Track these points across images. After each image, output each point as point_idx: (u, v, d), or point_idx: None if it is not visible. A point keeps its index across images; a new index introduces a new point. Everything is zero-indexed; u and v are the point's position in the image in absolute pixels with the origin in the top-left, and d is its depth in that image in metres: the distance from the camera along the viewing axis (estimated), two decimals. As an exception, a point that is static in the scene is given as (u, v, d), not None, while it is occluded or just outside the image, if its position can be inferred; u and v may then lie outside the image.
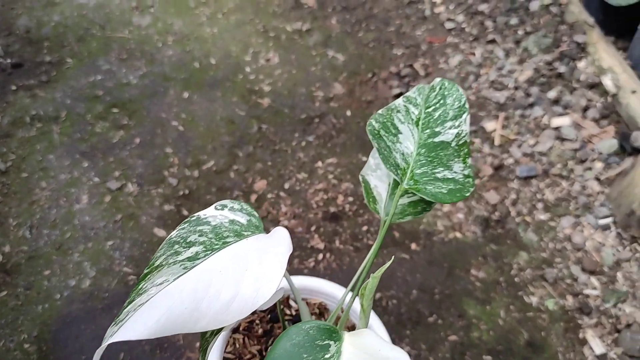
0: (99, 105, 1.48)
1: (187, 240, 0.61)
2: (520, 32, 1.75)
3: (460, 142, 0.72)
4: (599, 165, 1.48)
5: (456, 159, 0.71)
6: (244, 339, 0.86)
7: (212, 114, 1.50)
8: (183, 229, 0.62)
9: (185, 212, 1.29)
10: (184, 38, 1.68)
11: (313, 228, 1.31)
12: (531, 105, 1.60)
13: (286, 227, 1.31)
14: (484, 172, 1.47)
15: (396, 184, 0.81)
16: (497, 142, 1.54)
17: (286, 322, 0.89)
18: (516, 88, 1.64)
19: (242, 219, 0.64)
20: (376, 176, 0.81)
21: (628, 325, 1.25)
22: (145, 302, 0.55)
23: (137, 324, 0.52)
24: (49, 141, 1.39)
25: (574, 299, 1.26)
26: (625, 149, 1.50)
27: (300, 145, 1.47)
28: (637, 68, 1.63)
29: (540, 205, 1.43)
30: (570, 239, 1.36)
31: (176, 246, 0.60)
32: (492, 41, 1.75)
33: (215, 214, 0.64)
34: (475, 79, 1.67)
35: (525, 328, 1.20)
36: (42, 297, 1.12)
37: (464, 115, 0.74)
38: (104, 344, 0.51)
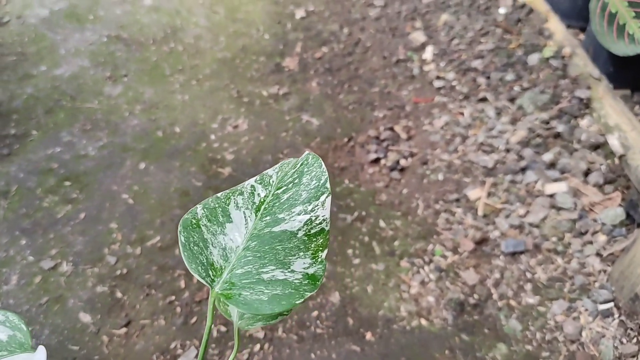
0: (51, 178, 1.42)
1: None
2: (516, 89, 1.59)
3: (313, 232, 0.57)
4: (601, 238, 1.27)
5: (301, 254, 0.56)
6: None
7: (166, 186, 1.41)
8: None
9: (118, 294, 1.18)
10: (152, 107, 1.62)
11: (256, 313, 1.16)
12: (523, 170, 1.41)
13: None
14: (464, 247, 1.29)
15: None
16: (481, 211, 1.35)
17: None
18: (507, 150, 1.46)
19: (3, 334, 0.51)
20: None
21: None
22: None
23: None
24: (-7, 217, 1.33)
25: (564, 404, 1.04)
26: (634, 220, 1.28)
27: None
28: (649, 124, 1.42)
29: (528, 287, 1.22)
30: (563, 328, 1.15)
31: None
32: (484, 99, 1.59)
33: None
34: (462, 141, 1.51)
35: None
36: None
37: (323, 198, 0.59)
38: None
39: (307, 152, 0.66)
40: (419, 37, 1.84)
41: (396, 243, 1.30)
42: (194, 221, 0.57)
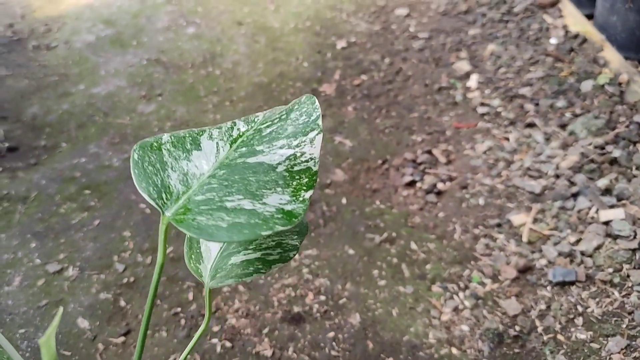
0: (72, 186, 1.37)
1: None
2: (568, 115, 1.47)
3: (296, 169, 0.48)
4: (667, 269, 1.10)
5: (278, 189, 0.46)
6: None
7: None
8: None
9: (122, 303, 1.09)
10: (183, 124, 1.58)
11: (266, 330, 1.05)
12: (574, 196, 1.27)
13: (232, 326, 1.06)
14: (505, 275, 1.14)
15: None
16: (525, 238, 1.21)
17: None
18: (557, 176, 1.33)
19: None
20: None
21: None
22: None
23: None
24: (8, 220, 1.28)
25: None
26: None
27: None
28: None
29: (579, 321, 1.06)
30: (620, 368, 0.98)
31: None
32: (532, 125, 1.48)
33: None
34: (507, 166, 1.38)
35: None
36: None
37: (312, 134, 0.50)
38: None
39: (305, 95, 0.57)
40: (463, 66, 1.76)
41: (428, 266, 1.17)
42: (155, 144, 0.48)
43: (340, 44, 1.95)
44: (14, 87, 1.76)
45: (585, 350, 1.01)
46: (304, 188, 0.47)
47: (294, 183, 0.47)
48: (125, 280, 1.14)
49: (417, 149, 1.48)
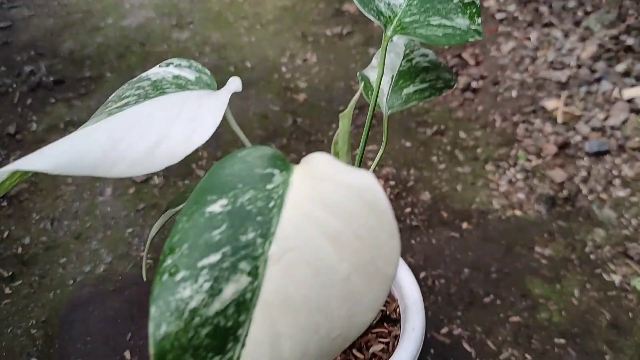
0: (132, 109, 1.45)
1: (122, 96, 0.51)
2: (580, 13, 1.60)
3: (466, 2, 0.59)
4: (685, 135, 1.27)
5: (460, 14, 0.58)
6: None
7: (244, 111, 1.43)
8: (122, 89, 0.53)
9: (211, 202, 1.20)
10: (221, 47, 1.66)
11: (349, 211, 1.18)
12: (597, 80, 1.42)
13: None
14: (547, 151, 1.29)
15: (400, 76, 0.68)
16: (560, 119, 1.36)
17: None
18: (579, 66, 1.47)
19: (190, 75, 0.54)
20: (376, 72, 0.69)
21: None
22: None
23: (37, 156, 0.42)
24: (80, 143, 1.35)
25: (670, 280, 1.03)
26: None
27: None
28: None
29: (617, 182, 1.22)
30: (658, 213, 1.14)
31: (109, 103, 0.51)
32: (549, 24, 1.61)
33: (158, 71, 0.54)
34: (532, 62, 1.52)
35: (607, 308, 0.98)
36: (55, 284, 1.04)
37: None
38: (4, 169, 0.41)
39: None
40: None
41: (479, 150, 1.31)
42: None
43: (351, -34, 2.02)
44: (42, 26, 1.79)
45: (626, 204, 1.17)
46: (475, 15, 0.59)
47: (468, 11, 0.59)
48: (208, 183, 1.24)
49: (447, 54, 1.60)
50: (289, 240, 0.39)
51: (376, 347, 0.66)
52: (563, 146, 1.30)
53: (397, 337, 0.68)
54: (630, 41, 1.46)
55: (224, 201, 0.39)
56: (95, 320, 0.97)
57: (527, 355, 0.91)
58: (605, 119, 1.33)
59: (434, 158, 1.30)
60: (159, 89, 0.51)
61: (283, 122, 1.40)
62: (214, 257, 0.37)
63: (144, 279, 0.67)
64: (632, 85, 1.37)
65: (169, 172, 1.27)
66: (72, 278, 1.04)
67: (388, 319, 0.70)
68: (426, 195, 1.21)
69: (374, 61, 0.71)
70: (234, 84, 0.49)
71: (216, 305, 0.37)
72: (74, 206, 1.19)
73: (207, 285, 0.37)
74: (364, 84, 0.69)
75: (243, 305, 0.37)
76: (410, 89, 0.66)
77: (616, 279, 1.03)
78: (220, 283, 0.37)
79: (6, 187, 0.45)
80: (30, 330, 0.96)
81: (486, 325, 0.95)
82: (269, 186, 0.40)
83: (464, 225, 1.13)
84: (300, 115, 1.41)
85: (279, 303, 0.38)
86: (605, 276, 1.04)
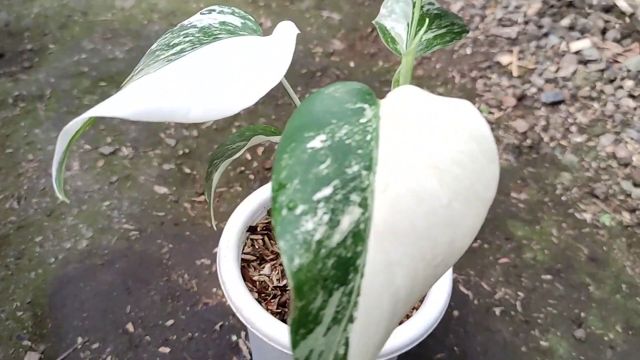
0: (85, 80, 1.37)
1: (170, 44, 0.49)
2: (521, -28, 1.67)
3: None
4: (629, 83, 1.36)
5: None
6: (263, 239, 0.72)
7: (207, 77, 1.39)
8: (165, 38, 0.51)
9: (187, 170, 1.17)
10: (170, 14, 1.60)
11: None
12: (546, 35, 1.49)
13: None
14: (507, 104, 1.35)
15: (421, 20, 0.69)
16: (515, 73, 1.42)
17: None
18: (526, 22, 1.54)
19: (236, 21, 0.52)
20: (391, 20, 0.70)
21: (697, 235, 1.10)
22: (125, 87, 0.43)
23: (114, 103, 0.40)
24: (34, 118, 1.27)
25: (632, 215, 1.12)
26: (655, 64, 1.38)
27: (304, 98, 1.36)
28: (652, -14, 1.53)
29: (574, 129, 1.30)
30: (615, 155, 1.23)
31: (157, 52, 0.49)
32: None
33: (202, 18, 0.52)
34: (482, 20, 1.57)
35: (584, 244, 1.06)
36: (34, 264, 0.98)
37: None
38: (77, 119, 0.39)
39: None
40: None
41: (444, 106, 1.35)
42: None
43: None
44: (-34, -3, 1.65)
45: (585, 149, 1.26)
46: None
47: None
48: (180, 152, 1.21)
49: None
50: (390, 171, 0.40)
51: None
52: (521, 98, 1.37)
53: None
54: (571, -3, 1.54)
55: (322, 137, 0.39)
56: (89, 296, 0.93)
57: (520, 293, 0.97)
58: (557, 70, 1.41)
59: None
60: (210, 35, 0.49)
61: (248, 87, 1.37)
62: (327, 190, 0.37)
63: (214, 227, 0.66)
64: (578, 39, 1.46)
65: (137, 143, 1.22)
66: (53, 256, 0.99)
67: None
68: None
69: (383, 10, 0.71)
70: (289, 26, 0.48)
71: (337, 237, 0.37)
72: (40, 183, 1.13)
73: (326, 218, 0.37)
74: (381, 31, 0.70)
75: (358, 236, 0.38)
76: (429, 34, 0.67)
77: (587, 217, 1.11)
78: (337, 215, 0.37)
79: (78, 135, 0.43)
80: (15, 312, 0.91)
81: (478, 268, 1.00)
82: (362, 120, 0.40)
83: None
84: (264, 80, 1.39)
85: (389, 232, 0.39)
86: (577, 215, 1.11)
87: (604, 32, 1.46)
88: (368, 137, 0.40)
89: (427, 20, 0.68)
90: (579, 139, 1.27)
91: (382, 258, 0.40)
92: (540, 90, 1.38)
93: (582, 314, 0.95)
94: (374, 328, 0.40)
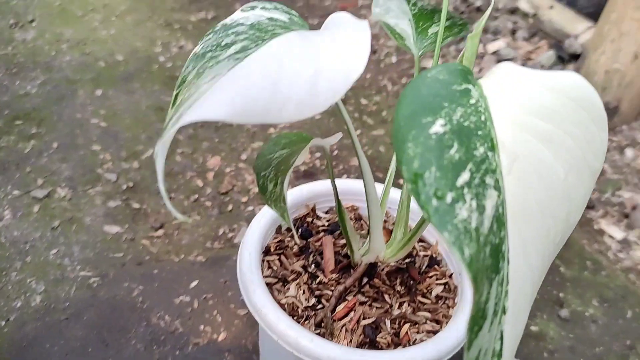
0: (-3, 120, 1.23)
1: (222, 44, 0.44)
2: (426, -17, 1.75)
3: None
4: (545, 77, 1.46)
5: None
6: (279, 259, 0.67)
7: (135, 105, 1.30)
8: (208, 39, 0.46)
9: (136, 205, 1.08)
10: (80, 43, 1.48)
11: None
12: (463, 39, 1.56)
13: (257, 192, 1.13)
14: (441, 106, 1.39)
15: (418, 19, 0.69)
16: (443, 76, 1.47)
17: (323, 233, 0.72)
18: (442, 28, 1.61)
19: (282, 16, 0.49)
20: (391, 17, 0.69)
21: (634, 208, 1.20)
22: (205, 91, 0.38)
23: (209, 103, 0.35)
24: (-58, 167, 1.12)
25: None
26: (563, 58, 1.49)
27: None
28: (546, -12, 1.67)
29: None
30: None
31: (209, 54, 0.44)
32: (403, -6, 1.73)
33: (246, 15, 0.48)
34: (400, 29, 1.62)
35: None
36: (-21, 332, 0.85)
37: None
38: (173, 129, 0.34)
39: None
40: (318, -42, 1.92)
41: (384, 113, 1.37)
42: None
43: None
44: None
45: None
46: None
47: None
48: (124, 186, 1.11)
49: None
50: (511, 150, 0.38)
51: (437, 290, 0.67)
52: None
53: (451, 276, 0.69)
54: (478, 2, 1.63)
55: (441, 121, 0.36)
56: (60, 356, 0.81)
57: (503, 282, 0.99)
58: (480, 71, 1.48)
59: (345, 127, 1.32)
60: (265, 30, 0.45)
61: (182, 112, 1.30)
62: (465, 175, 0.35)
63: (292, 227, 0.62)
64: (493, 40, 1.54)
65: (72, 182, 1.11)
66: (3, 318, 0.86)
67: (434, 261, 0.70)
68: (355, 161, 1.22)
69: (377, 9, 0.70)
70: (345, 16, 0.45)
71: (486, 223, 0.35)
72: (-34, 239, 0.98)
73: (474, 204, 0.34)
74: (387, 28, 0.68)
75: (500, 220, 0.36)
76: (434, 28, 0.67)
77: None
78: (481, 200, 0.35)
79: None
80: (-31, 391, 0.78)
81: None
82: (472, 101, 0.38)
83: (401, 181, 1.17)
84: (198, 103, 1.33)
85: (520, 212, 0.37)
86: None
87: (513, 32, 1.56)
88: (482, 118, 0.38)
89: (429, 15, 0.68)
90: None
91: (519, 239, 0.38)
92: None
93: (561, 294, 0.99)
94: (521, 317, 0.38)
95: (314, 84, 0.37)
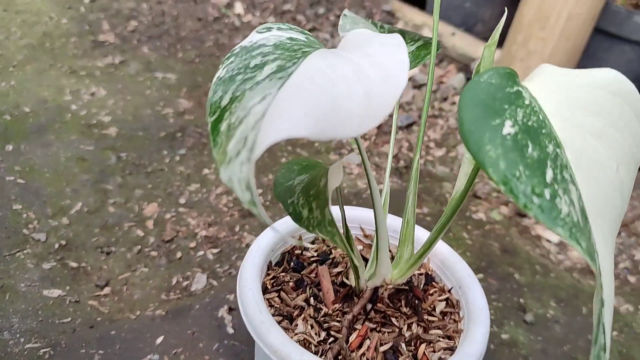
0: None
1: (251, 65, 0.42)
2: (332, 17, 1.79)
3: None
4: (457, 98, 1.54)
5: None
6: (279, 296, 0.64)
7: (53, 158, 1.20)
8: (231, 62, 0.44)
9: (73, 264, 0.98)
10: (-22, 96, 1.35)
11: (237, 228, 1.10)
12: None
13: (205, 236, 1.07)
14: (370, 133, 1.42)
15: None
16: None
17: (316, 264, 0.69)
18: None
19: (300, 36, 0.47)
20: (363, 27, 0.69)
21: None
22: (265, 111, 0.36)
23: (284, 121, 0.33)
24: None
25: (508, 207, 1.25)
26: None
27: (175, 161, 1.25)
28: (444, 17, 1.77)
29: (432, 144, 1.41)
30: (474, 160, 1.36)
31: (239, 77, 0.41)
32: (313, 29, 1.76)
33: (265, 36, 0.46)
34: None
35: (492, 239, 1.14)
36: None
37: None
38: (260, 149, 0.31)
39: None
40: (221, -1, 1.91)
41: (316, 144, 1.36)
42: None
43: (86, -3, 1.86)
44: None
45: (449, 159, 1.37)
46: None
47: None
48: (56, 245, 1.01)
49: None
50: (572, 146, 0.39)
51: (441, 306, 0.66)
52: (379, 126, 1.45)
53: (450, 290, 0.69)
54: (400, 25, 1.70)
55: (509, 122, 0.37)
56: None
57: (468, 295, 1.00)
58: (400, 98, 1.53)
59: (284, 159, 1.30)
60: (293, 49, 0.43)
61: (107, 161, 1.22)
62: (550, 172, 0.35)
63: (349, 250, 0.58)
64: (406, 67, 1.60)
65: (-4, 247, 0.99)
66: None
67: (429, 278, 0.70)
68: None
69: (347, 26, 0.70)
70: (367, 32, 0.44)
71: (581, 219, 0.35)
72: None
73: (567, 198, 0.35)
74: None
75: (584, 214, 0.37)
76: (410, 47, 0.67)
77: (482, 216, 1.20)
78: (568, 194, 0.36)
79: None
80: None
81: (424, 283, 1.01)
82: (526, 102, 0.39)
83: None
84: (122, 150, 1.25)
85: (594, 205, 0.38)
86: (474, 216, 1.20)
87: (422, 59, 1.64)
88: (541, 117, 0.39)
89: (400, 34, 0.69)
90: (440, 152, 1.39)
91: (600, 235, 0.38)
92: (390, 116, 1.48)
93: (522, 300, 1.02)
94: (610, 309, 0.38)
95: (368, 97, 0.36)
